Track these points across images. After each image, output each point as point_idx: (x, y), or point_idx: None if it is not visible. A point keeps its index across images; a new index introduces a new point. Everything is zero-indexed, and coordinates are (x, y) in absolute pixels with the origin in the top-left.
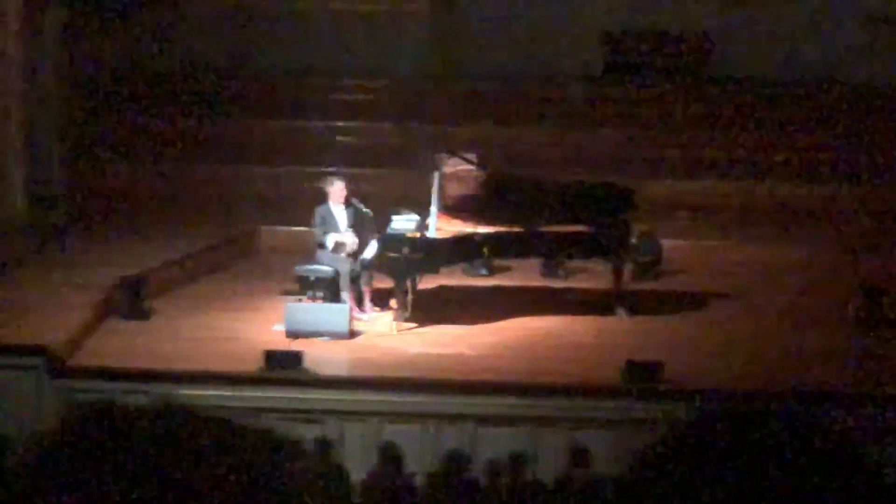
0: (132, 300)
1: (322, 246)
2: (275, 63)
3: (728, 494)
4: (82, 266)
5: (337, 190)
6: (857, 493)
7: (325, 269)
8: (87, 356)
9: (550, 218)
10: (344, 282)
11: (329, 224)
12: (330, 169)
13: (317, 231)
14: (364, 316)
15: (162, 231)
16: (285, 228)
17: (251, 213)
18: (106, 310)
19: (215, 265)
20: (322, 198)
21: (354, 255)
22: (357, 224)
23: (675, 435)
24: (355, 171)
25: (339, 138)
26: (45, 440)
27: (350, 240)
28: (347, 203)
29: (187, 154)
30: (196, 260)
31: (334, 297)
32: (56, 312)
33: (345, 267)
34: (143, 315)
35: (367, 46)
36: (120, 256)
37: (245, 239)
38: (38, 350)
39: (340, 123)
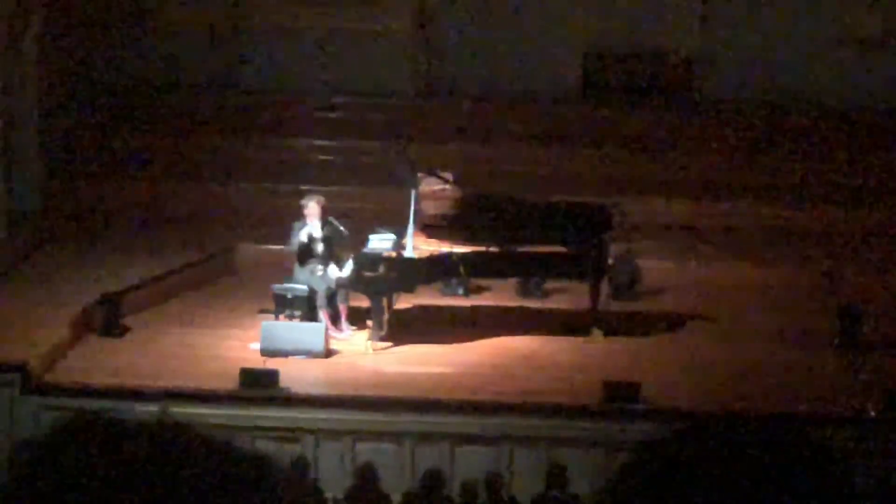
0: (110, 317)
1: (300, 259)
2: (257, 80)
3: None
4: (60, 282)
5: (312, 209)
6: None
7: (302, 287)
8: (64, 373)
9: (527, 238)
10: (321, 300)
11: (302, 244)
12: (306, 188)
13: (292, 246)
14: (341, 335)
15: (140, 248)
16: (264, 247)
17: (230, 231)
18: (83, 327)
19: (193, 283)
20: (300, 215)
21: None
22: (332, 242)
23: (650, 452)
24: (335, 189)
25: (319, 157)
26: (34, 450)
27: (319, 273)
28: (324, 222)
29: (167, 171)
30: (174, 277)
31: (311, 315)
32: (33, 329)
33: (321, 285)
34: (121, 332)
35: (348, 64)
36: (97, 273)
37: (223, 256)
38: (12, 367)
39: (321, 142)
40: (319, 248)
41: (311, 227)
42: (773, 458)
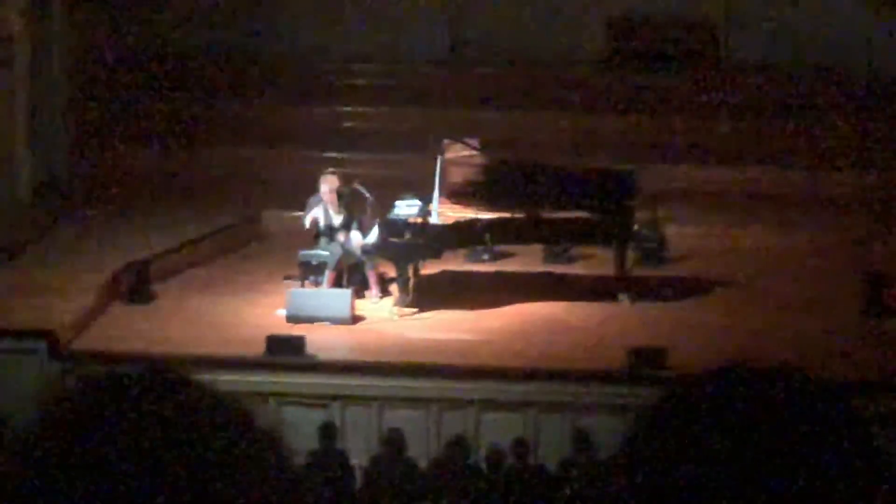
0: (137, 284)
1: (315, 237)
2: (284, 46)
3: (725, 456)
4: (87, 250)
5: (327, 189)
6: (851, 450)
7: (327, 254)
8: (91, 340)
9: (554, 204)
10: (331, 264)
11: (321, 216)
12: (332, 154)
13: (303, 220)
14: (374, 298)
15: (167, 215)
16: (290, 213)
17: (256, 198)
18: (111, 294)
19: (220, 249)
20: (316, 189)
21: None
22: (353, 208)
23: (669, 405)
24: (364, 156)
25: (347, 123)
26: (50, 408)
27: (341, 239)
28: (339, 196)
29: (193, 137)
30: (201, 244)
31: (338, 281)
32: (61, 296)
33: (336, 250)
34: (148, 299)
35: (375, 30)
36: (125, 240)
37: (250, 223)
38: (41, 334)
39: (348, 108)
40: (336, 219)
41: (328, 207)
42: (795, 411)
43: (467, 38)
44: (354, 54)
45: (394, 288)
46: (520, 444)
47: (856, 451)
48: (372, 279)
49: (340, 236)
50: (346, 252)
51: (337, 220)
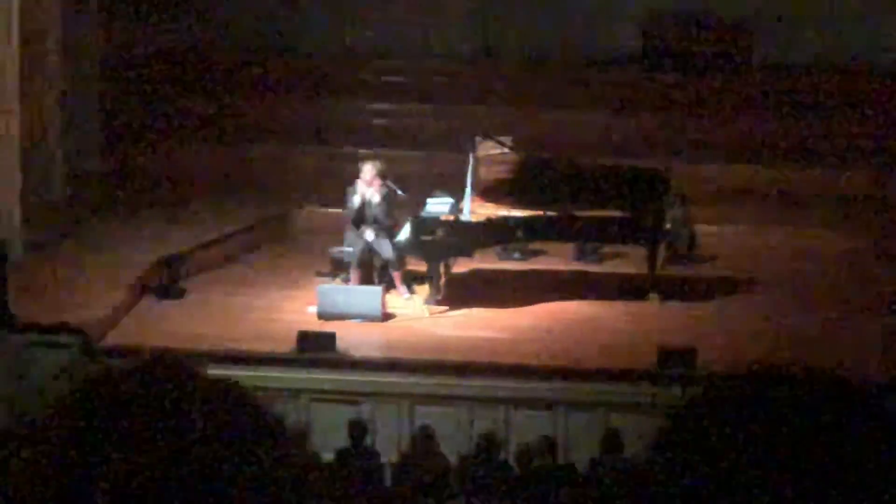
0: (168, 280)
1: (354, 222)
2: (314, 43)
3: (754, 458)
4: (119, 246)
5: (366, 174)
6: (885, 452)
7: (360, 251)
8: (122, 335)
9: (585, 202)
10: (354, 262)
11: (356, 206)
12: (361, 151)
13: (348, 212)
14: (405, 295)
15: (198, 212)
16: (321, 210)
17: (287, 194)
18: (142, 289)
19: (251, 245)
20: (355, 180)
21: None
22: (388, 206)
23: (698, 406)
24: (394, 153)
25: (377, 120)
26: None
27: (370, 237)
28: (378, 185)
29: (225, 135)
30: (232, 240)
31: (367, 278)
32: (92, 291)
33: (359, 248)
34: (179, 295)
35: (407, 27)
36: (157, 236)
37: (281, 220)
38: (73, 329)
39: (379, 105)
40: (375, 211)
41: (367, 191)
42: (826, 413)
43: (499, 36)
44: (386, 51)
45: (424, 286)
46: (549, 443)
47: (890, 453)
48: (397, 279)
49: (368, 233)
50: (370, 248)
51: (370, 208)
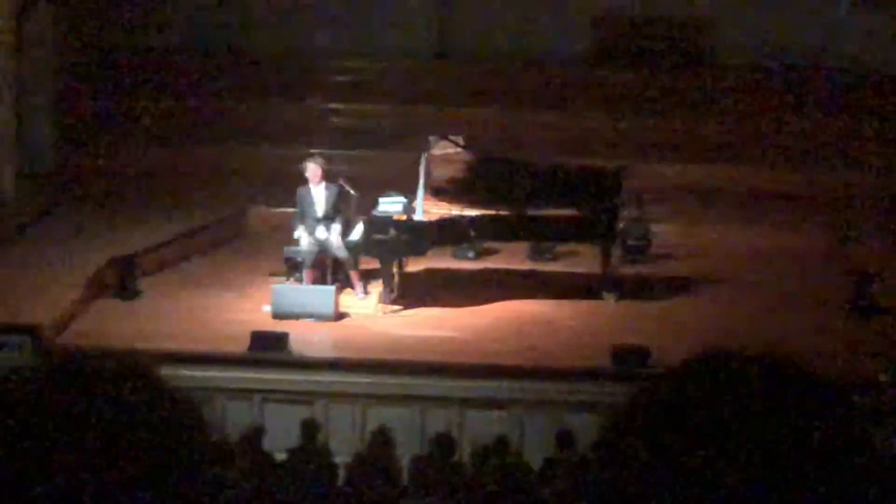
0: (123, 279)
1: (303, 221)
2: (271, 42)
3: (703, 447)
4: (72, 245)
5: (312, 172)
6: (836, 435)
7: (311, 250)
8: (77, 335)
9: (539, 201)
10: (307, 261)
11: (306, 206)
12: (314, 151)
13: (294, 218)
14: (359, 295)
15: (152, 211)
16: (275, 209)
17: (241, 194)
18: (96, 289)
19: (205, 245)
20: (303, 180)
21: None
22: (339, 205)
23: (648, 394)
24: (348, 152)
25: (333, 119)
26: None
27: (321, 236)
28: (327, 184)
29: (178, 134)
30: (186, 240)
31: (321, 278)
32: (46, 292)
33: (312, 248)
34: (134, 294)
35: (362, 26)
36: (110, 236)
37: (235, 219)
38: (25, 328)
39: (334, 105)
40: (325, 210)
41: (315, 189)
42: (777, 396)
43: (454, 36)
44: (340, 50)
45: (377, 285)
46: (503, 442)
47: (843, 437)
48: (354, 278)
49: (319, 232)
50: (324, 249)
51: (321, 207)
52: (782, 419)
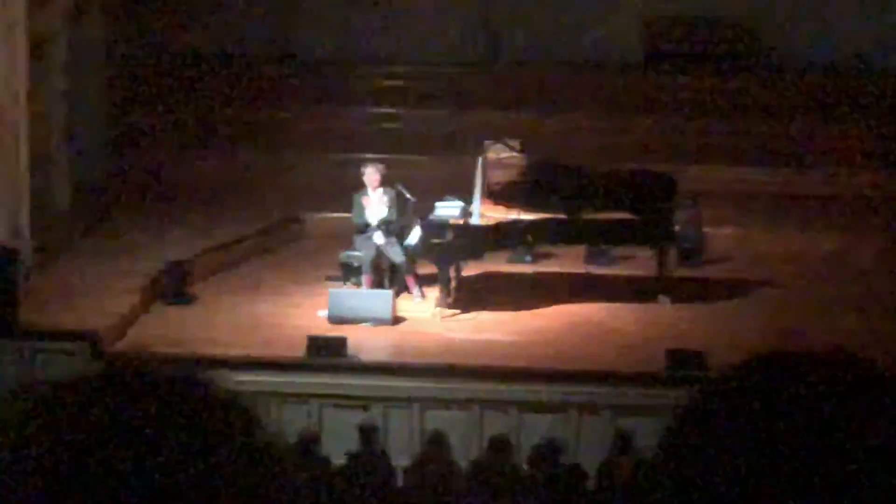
0: (178, 285)
1: (360, 231)
2: (320, 49)
3: (765, 447)
4: (128, 252)
5: (370, 177)
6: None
7: (369, 255)
8: (132, 342)
9: (594, 205)
10: (365, 266)
11: (363, 211)
12: (368, 156)
13: (355, 218)
14: (416, 299)
15: (207, 217)
16: (330, 215)
17: (296, 200)
18: (151, 295)
19: (260, 251)
20: (361, 185)
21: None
22: (398, 209)
23: (701, 395)
24: (401, 157)
25: (384, 125)
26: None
27: (379, 241)
28: (384, 188)
29: (234, 141)
30: (241, 246)
31: (378, 282)
32: (101, 298)
33: (370, 252)
34: (189, 300)
35: (410, 32)
36: (165, 242)
37: (290, 225)
38: (82, 335)
39: (386, 110)
40: (383, 215)
41: (372, 195)
42: (853, 398)
43: (505, 41)
44: (391, 57)
45: (434, 289)
46: (560, 446)
47: None
48: (410, 283)
49: (377, 237)
50: (381, 253)
51: (380, 212)
52: (854, 420)
